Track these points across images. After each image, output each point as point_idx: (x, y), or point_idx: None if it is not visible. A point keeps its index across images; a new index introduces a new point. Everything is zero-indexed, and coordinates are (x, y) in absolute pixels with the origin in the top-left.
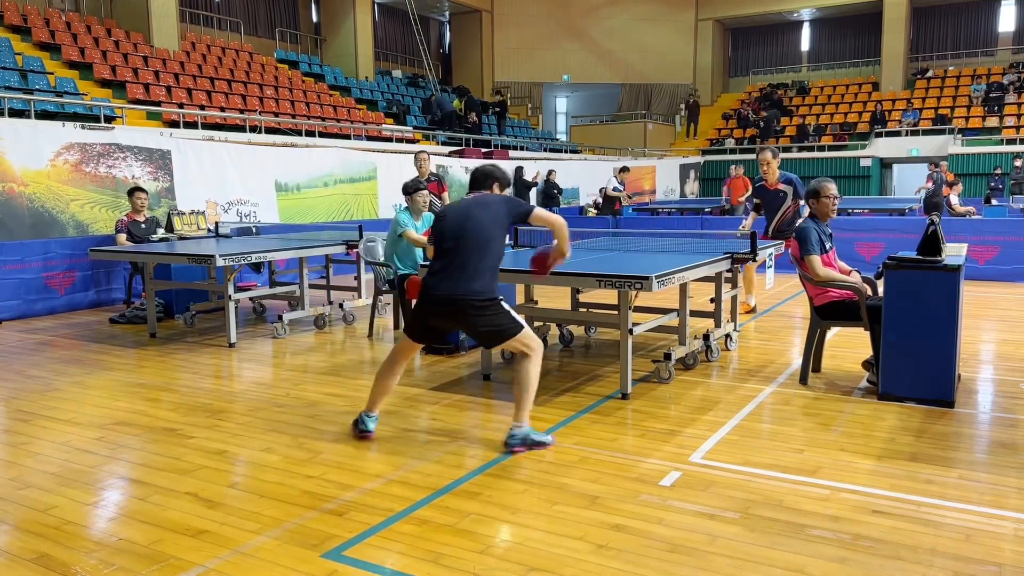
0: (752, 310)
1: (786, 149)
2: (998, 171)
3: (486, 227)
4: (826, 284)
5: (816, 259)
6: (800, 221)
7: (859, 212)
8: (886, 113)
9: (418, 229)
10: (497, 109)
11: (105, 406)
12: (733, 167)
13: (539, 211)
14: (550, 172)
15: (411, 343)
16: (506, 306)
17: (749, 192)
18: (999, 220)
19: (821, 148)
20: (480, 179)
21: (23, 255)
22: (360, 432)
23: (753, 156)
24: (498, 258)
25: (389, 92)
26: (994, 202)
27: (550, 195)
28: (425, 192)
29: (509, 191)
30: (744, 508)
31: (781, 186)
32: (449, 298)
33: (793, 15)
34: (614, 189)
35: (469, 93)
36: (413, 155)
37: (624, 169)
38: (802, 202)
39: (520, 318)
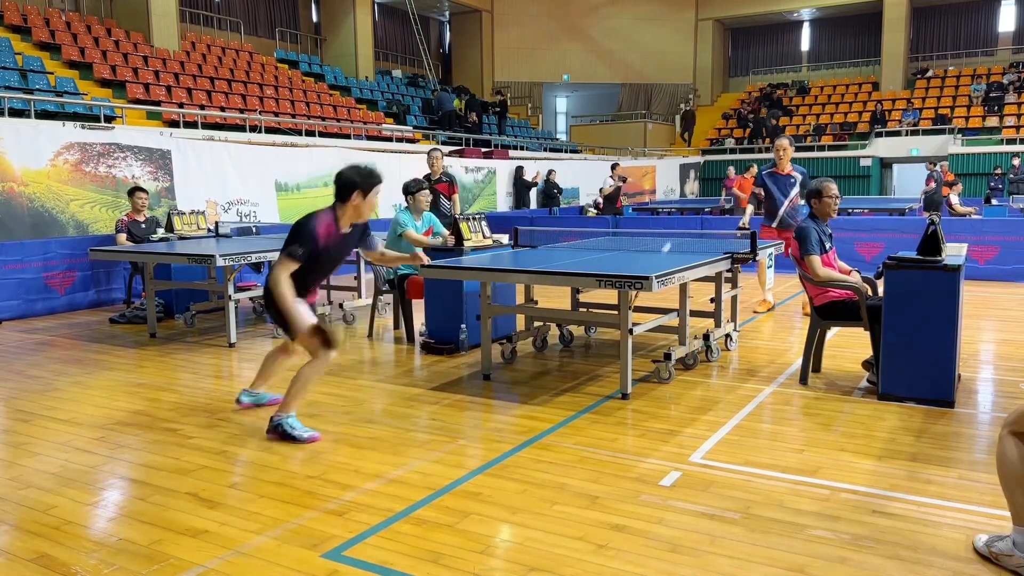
0: (772, 307)
1: None
2: (998, 171)
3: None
4: (826, 284)
5: (816, 259)
6: (800, 219)
7: (859, 212)
8: (886, 113)
9: (418, 229)
10: (497, 109)
11: (105, 406)
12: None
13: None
14: (550, 172)
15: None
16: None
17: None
18: (999, 220)
19: (821, 148)
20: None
21: (23, 255)
22: (238, 402)
23: (752, 156)
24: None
25: (389, 92)
26: (994, 202)
27: (550, 195)
28: (426, 192)
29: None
30: (744, 508)
31: (793, 173)
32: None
33: (793, 15)
34: (610, 186)
35: (471, 93)
36: (426, 153)
37: (615, 165)
38: (801, 201)
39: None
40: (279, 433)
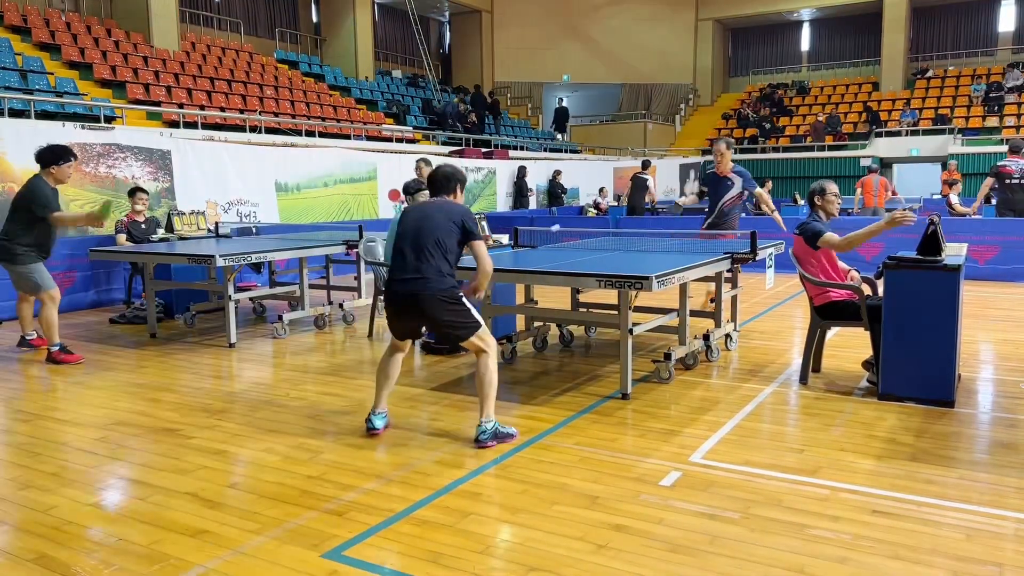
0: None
1: (786, 149)
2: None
3: (444, 226)
4: (852, 247)
5: (831, 234)
6: (734, 219)
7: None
8: (881, 113)
9: None
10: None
11: (105, 406)
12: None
13: (481, 244)
14: (556, 173)
15: (397, 341)
16: (467, 303)
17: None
18: (999, 220)
19: (821, 148)
20: (442, 182)
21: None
22: (368, 430)
23: (753, 156)
24: (456, 256)
25: (389, 92)
26: (994, 202)
27: (555, 195)
28: (426, 192)
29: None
30: (744, 508)
31: (731, 175)
32: (413, 294)
33: (793, 15)
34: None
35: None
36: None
37: (647, 163)
38: (747, 193)
39: (479, 317)
40: (498, 438)
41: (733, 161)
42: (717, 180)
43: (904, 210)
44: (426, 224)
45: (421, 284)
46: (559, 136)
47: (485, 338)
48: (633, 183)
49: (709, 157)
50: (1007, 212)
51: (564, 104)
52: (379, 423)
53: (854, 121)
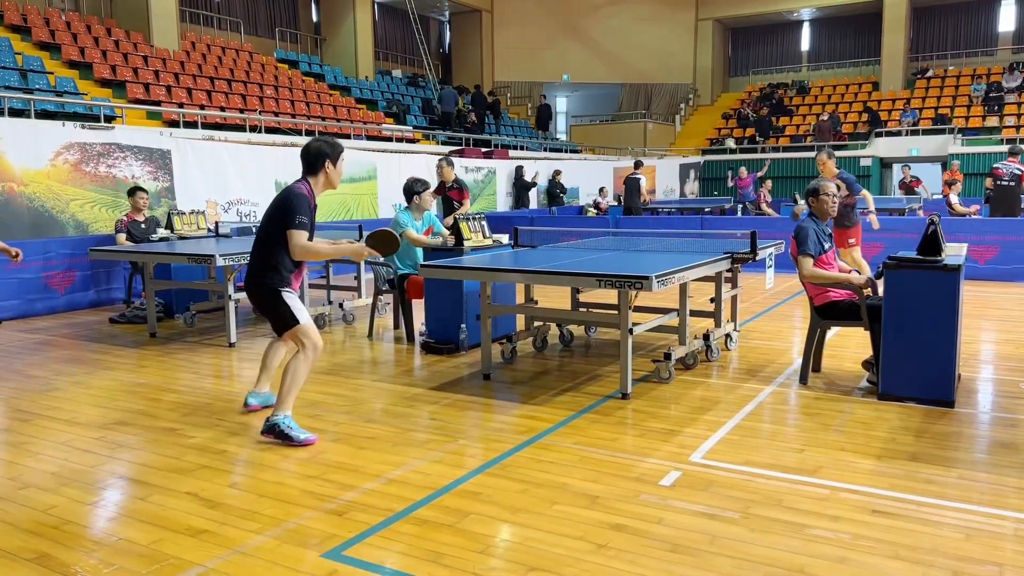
0: None
1: (786, 149)
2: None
3: (268, 216)
4: (815, 283)
5: (806, 261)
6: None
7: (859, 212)
8: (881, 113)
9: (418, 229)
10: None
11: (105, 406)
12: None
13: (293, 234)
14: (556, 172)
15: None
16: (287, 299)
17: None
18: (999, 220)
19: (821, 148)
20: (303, 160)
21: (23, 255)
22: (245, 406)
23: (753, 156)
24: (277, 246)
25: (389, 92)
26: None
27: (554, 195)
28: (428, 194)
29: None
30: (744, 508)
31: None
32: (246, 287)
33: (793, 15)
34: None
35: (477, 88)
36: (436, 163)
37: (639, 163)
38: (857, 196)
39: (299, 314)
40: (275, 433)
41: (735, 162)
42: None
43: (868, 280)
44: (264, 216)
45: (247, 277)
46: (541, 133)
47: (305, 336)
48: (627, 185)
49: (709, 157)
50: (997, 211)
51: (547, 102)
52: (252, 400)
53: (854, 121)
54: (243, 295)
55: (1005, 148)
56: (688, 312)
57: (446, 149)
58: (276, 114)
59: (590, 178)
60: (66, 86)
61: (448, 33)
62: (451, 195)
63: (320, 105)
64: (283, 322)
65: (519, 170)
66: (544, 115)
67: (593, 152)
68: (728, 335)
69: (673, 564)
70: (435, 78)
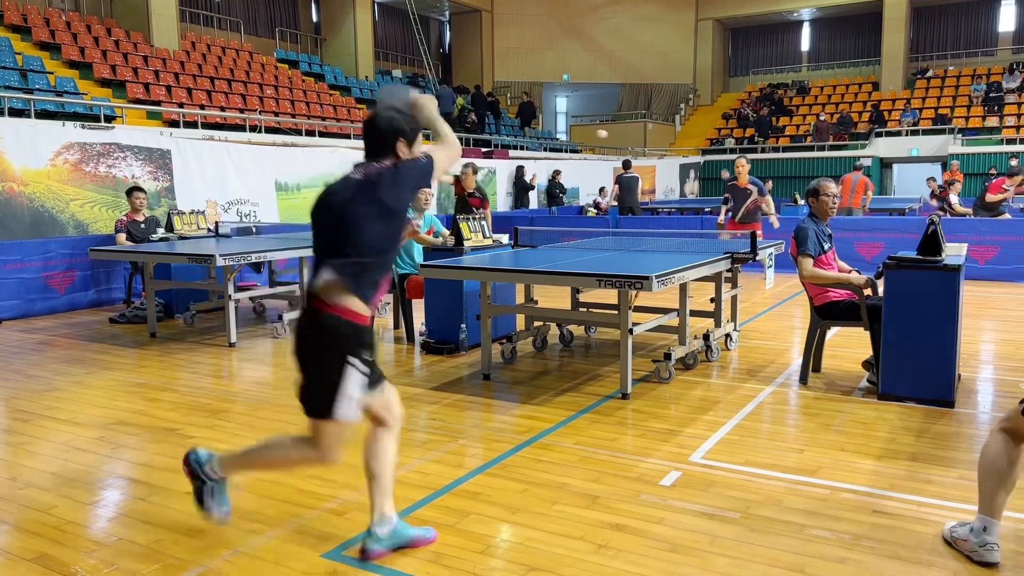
0: None
1: (786, 149)
2: (992, 171)
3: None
4: (815, 283)
5: (807, 261)
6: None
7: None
8: (884, 113)
9: (419, 228)
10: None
11: (105, 406)
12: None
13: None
14: (556, 173)
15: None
16: (352, 362)
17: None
18: (999, 220)
19: (821, 148)
20: (369, 140)
21: (23, 255)
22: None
23: (753, 156)
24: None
25: None
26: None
27: (553, 195)
28: (428, 191)
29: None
30: (744, 508)
31: (749, 186)
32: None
33: (793, 15)
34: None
35: (477, 88)
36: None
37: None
38: (767, 196)
39: (350, 405)
40: (188, 468)
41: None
42: (738, 191)
43: (868, 280)
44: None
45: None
46: (524, 130)
47: (327, 438)
48: (623, 184)
49: (709, 157)
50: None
51: (530, 100)
52: (374, 546)
53: (854, 120)
54: (243, 295)
55: (1005, 148)
56: (688, 312)
57: (479, 164)
58: (276, 114)
59: (590, 178)
60: (66, 86)
61: (448, 33)
62: (472, 202)
63: (320, 105)
64: (320, 397)
65: (519, 170)
66: (527, 112)
67: (593, 152)
68: (728, 335)
69: (673, 564)
70: (435, 78)
